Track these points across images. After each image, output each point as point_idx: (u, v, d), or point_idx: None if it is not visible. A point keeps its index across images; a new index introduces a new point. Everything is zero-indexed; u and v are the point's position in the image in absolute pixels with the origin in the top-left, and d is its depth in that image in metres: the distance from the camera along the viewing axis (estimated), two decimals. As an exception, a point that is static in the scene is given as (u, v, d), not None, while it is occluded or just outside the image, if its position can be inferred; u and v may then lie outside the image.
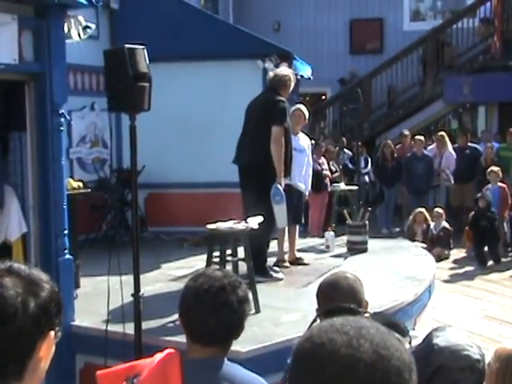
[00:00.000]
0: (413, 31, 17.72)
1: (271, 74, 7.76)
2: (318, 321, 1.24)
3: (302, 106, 8.62)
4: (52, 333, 1.59)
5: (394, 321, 2.46)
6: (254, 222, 6.46)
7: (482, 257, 11.47)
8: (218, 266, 5.86)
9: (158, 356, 2.56)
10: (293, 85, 7.66)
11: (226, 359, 2.57)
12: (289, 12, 18.90)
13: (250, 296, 2.72)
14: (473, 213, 12.09)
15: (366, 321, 1.22)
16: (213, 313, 2.53)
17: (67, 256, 6.03)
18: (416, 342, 2.54)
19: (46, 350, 1.59)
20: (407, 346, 1.22)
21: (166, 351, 2.58)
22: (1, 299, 1.51)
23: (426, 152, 13.93)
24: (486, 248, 11.61)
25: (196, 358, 2.57)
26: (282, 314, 6.25)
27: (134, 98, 4.98)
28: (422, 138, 14.22)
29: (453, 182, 13.62)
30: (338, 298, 2.96)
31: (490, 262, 11.52)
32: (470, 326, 8.40)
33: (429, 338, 2.41)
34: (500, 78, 16.14)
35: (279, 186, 7.18)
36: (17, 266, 1.60)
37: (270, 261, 7.91)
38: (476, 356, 2.40)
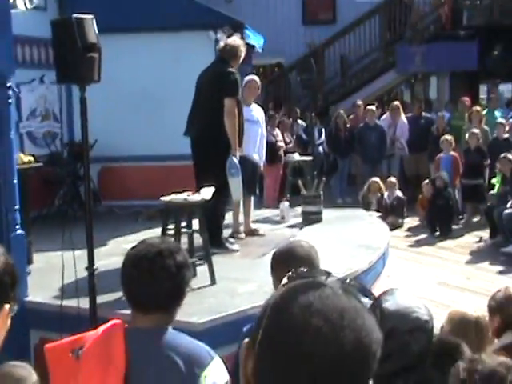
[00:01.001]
0: (365, 2, 17.72)
1: (221, 44, 7.70)
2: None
3: (255, 77, 8.59)
4: (7, 306, 1.55)
5: (358, 284, 2.47)
6: (207, 192, 6.44)
7: (434, 230, 11.62)
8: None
9: (102, 327, 2.56)
10: (243, 55, 7.61)
11: (170, 328, 2.56)
12: (241, -18, 18.73)
13: (190, 261, 2.70)
14: (426, 182, 12.26)
15: (344, 298, 1.20)
16: (150, 278, 2.52)
17: (19, 231, 5.93)
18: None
19: (1, 323, 1.55)
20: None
21: (111, 322, 2.58)
22: None
23: (378, 122, 14.01)
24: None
25: (139, 327, 2.56)
26: (237, 285, 6.26)
27: (83, 69, 4.91)
28: (373, 107, 14.30)
29: (407, 151, 13.75)
30: (294, 265, 2.94)
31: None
32: (424, 292, 8.52)
33: (378, 303, 2.43)
34: (450, 47, 16.29)
35: (234, 159, 7.16)
36: None
37: (226, 232, 7.91)
38: (425, 317, 2.43)
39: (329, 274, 1.26)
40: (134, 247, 2.64)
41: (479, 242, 11.01)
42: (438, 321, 7.29)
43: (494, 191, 11.55)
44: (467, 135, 12.49)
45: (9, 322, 1.59)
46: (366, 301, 1.26)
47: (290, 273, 1.32)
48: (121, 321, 2.59)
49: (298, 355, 1.15)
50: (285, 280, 1.29)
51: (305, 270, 1.33)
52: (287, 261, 3.00)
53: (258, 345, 1.20)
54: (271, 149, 12.85)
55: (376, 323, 1.22)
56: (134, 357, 2.46)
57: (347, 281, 1.26)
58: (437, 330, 2.83)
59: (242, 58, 7.58)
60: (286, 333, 1.16)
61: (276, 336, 1.18)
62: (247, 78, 8.47)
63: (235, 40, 7.71)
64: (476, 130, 12.43)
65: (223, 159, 7.15)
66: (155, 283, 2.52)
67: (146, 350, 2.49)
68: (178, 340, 2.54)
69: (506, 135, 12.62)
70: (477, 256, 10.24)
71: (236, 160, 7.17)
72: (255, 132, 8.28)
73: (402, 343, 2.35)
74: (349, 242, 8.03)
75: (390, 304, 2.44)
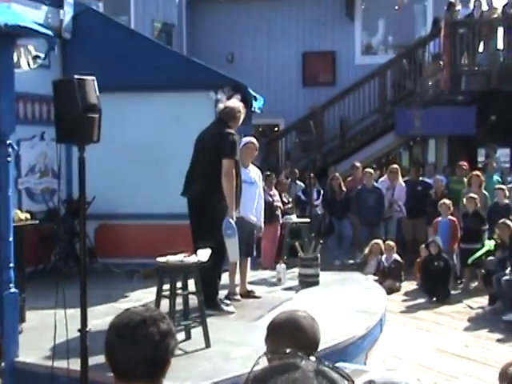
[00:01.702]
0: (364, 65, 17.98)
1: (221, 105, 7.76)
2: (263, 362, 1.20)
3: (253, 139, 8.63)
4: None
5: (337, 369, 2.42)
6: (204, 254, 6.40)
7: (432, 296, 11.48)
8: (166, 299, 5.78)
9: None
10: (242, 117, 7.66)
11: None
12: (242, 43, 19.01)
13: (174, 330, 2.65)
14: (423, 246, 12.21)
15: (314, 381, 1.17)
16: (133, 347, 2.46)
17: (12, 290, 5.88)
18: (367, 377, 2.50)
19: None
20: None
21: None
22: None
23: (376, 184, 14.04)
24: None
25: None
26: (232, 348, 6.17)
27: (83, 130, 4.91)
28: (371, 170, 14.35)
29: (405, 213, 13.75)
30: (301, 338, 2.84)
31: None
32: (422, 359, 8.41)
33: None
34: (449, 112, 16.44)
35: (231, 220, 7.15)
36: None
37: (221, 293, 7.84)
38: None
39: (306, 357, 1.25)
40: (117, 316, 2.58)
41: (469, 308, 10.90)
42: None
43: (482, 251, 11.54)
44: (465, 200, 12.50)
45: None
46: (344, 383, 1.25)
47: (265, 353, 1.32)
48: None
49: None
50: (261, 360, 1.30)
51: (286, 350, 1.34)
52: (294, 333, 2.86)
53: None
54: (268, 208, 12.85)
55: None
56: None
57: (325, 363, 1.25)
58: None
59: (241, 120, 7.64)
60: None
61: None
62: (245, 139, 8.51)
63: (234, 102, 7.78)
64: (474, 195, 12.44)
65: (220, 220, 7.14)
66: (138, 352, 2.46)
67: None
68: None
69: (507, 201, 12.64)
70: (475, 323, 10.11)
71: (232, 221, 7.15)
72: (253, 193, 8.29)
73: None
74: (346, 306, 7.96)
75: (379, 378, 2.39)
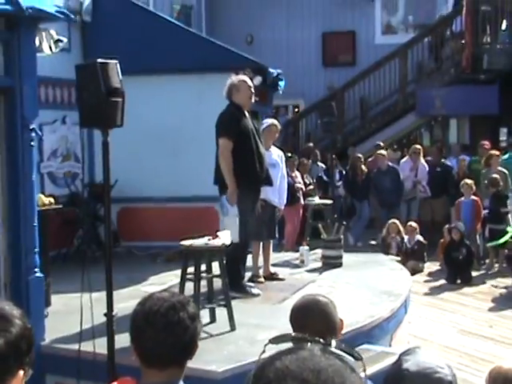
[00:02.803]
0: (385, 44, 17.81)
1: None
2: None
3: (275, 121, 8.56)
4: (21, 372, 1.50)
5: (347, 349, 2.39)
6: (227, 236, 6.38)
7: (455, 280, 11.40)
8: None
9: None
10: (246, 88, 7.38)
11: (181, 382, 2.51)
12: (261, 25, 18.89)
13: (199, 313, 2.66)
14: (447, 227, 12.14)
15: (322, 358, 1.19)
16: (166, 333, 2.47)
17: (37, 274, 5.90)
18: (392, 360, 2.47)
19: None
20: (362, 374, 1.21)
21: (121, 379, 2.52)
22: None
23: (391, 164, 13.94)
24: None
25: (152, 383, 2.50)
26: (257, 331, 6.15)
27: (106, 114, 4.89)
28: (383, 151, 14.25)
29: (429, 193, 13.65)
30: (309, 323, 2.95)
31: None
32: (446, 340, 8.38)
33: (398, 363, 2.34)
34: (470, 91, 16.27)
35: (225, 198, 7.07)
36: None
37: (246, 276, 7.82)
38: (448, 378, 2.33)
39: (315, 341, 1.28)
40: (141, 303, 2.57)
41: (494, 287, 10.86)
42: (462, 371, 7.16)
43: (507, 237, 11.44)
44: (486, 181, 12.39)
45: None
46: (352, 360, 1.27)
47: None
48: (130, 378, 2.54)
49: None
50: (267, 348, 1.33)
51: (293, 334, 1.38)
52: (302, 319, 3.00)
53: None
54: (289, 190, 12.82)
55: (361, 382, 1.22)
56: None
57: (334, 344, 1.28)
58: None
59: (243, 89, 7.35)
60: None
61: None
62: (266, 121, 8.44)
63: (231, 77, 7.59)
64: (496, 175, 12.32)
65: (239, 203, 7.06)
66: (171, 339, 2.47)
67: None
68: None
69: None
70: (499, 303, 10.05)
71: (227, 199, 7.06)
72: (275, 175, 8.22)
73: None
74: (370, 288, 7.91)
75: (411, 364, 2.34)
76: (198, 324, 2.57)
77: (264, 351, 1.30)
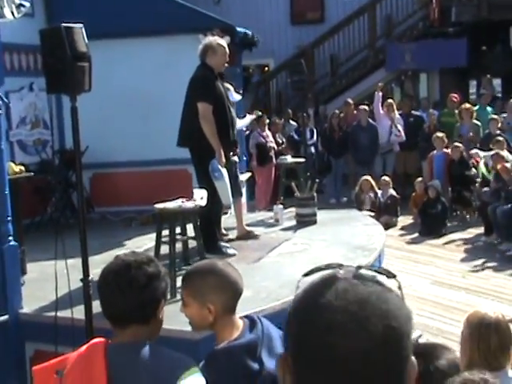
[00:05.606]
0: (353, 0, 17.70)
1: (199, 47, 7.51)
2: None
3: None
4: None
5: (377, 268, 2.44)
6: (201, 197, 6.38)
7: (429, 234, 11.55)
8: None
9: (85, 346, 2.56)
10: (220, 50, 7.27)
11: (148, 341, 2.53)
12: (228, -16, 18.69)
13: (165, 272, 2.66)
14: (420, 180, 12.25)
15: (361, 286, 1.17)
16: (119, 291, 2.51)
17: (12, 243, 5.88)
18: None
19: None
20: (398, 292, 1.21)
21: (93, 340, 2.57)
22: None
23: (371, 121, 13.97)
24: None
25: (118, 342, 2.55)
26: (233, 290, 6.20)
27: (73, 79, 4.84)
28: (366, 107, 14.26)
29: (404, 137, 13.66)
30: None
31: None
32: (420, 291, 8.52)
33: (429, 360, 2.46)
34: (439, 45, 16.31)
35: (216, 162, 7.03)
36: None
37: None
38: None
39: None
40: (108, 263, 2.65)
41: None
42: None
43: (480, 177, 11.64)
44: (450, 149, 12.51)
45: None
46: (388, 281, 1.25)
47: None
48: (103, 338, 2.58)
49: (332, 360, 1.13)
50: (301, 283, 1.28)
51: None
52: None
53: (292, 358, 1.18)
54: (262, 150, 12.83)
55: (401, 301, 1.20)
56: (115, 373, 2.45)
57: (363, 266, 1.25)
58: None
59: (220, 54, 7.26)
60: (315, 340, 1.15)
61: (305, 347, 1.16)
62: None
63: (208, 38, 7.53)
64: (459, 144, 12.41)
65: (207, 164, 7.04)
66: (124, 296, 2.51)
67: (125, 365, 2.49)
68: (156, 352, 2.51)
69: (498, 131, 12.63)
70: (472, 254, 10.22)
71: (218, 163, 7.03)
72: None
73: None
74: (344, 243, 7.98)
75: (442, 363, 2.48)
76: (161, 283, 2.59)
77: (298, 287, 1.27)
